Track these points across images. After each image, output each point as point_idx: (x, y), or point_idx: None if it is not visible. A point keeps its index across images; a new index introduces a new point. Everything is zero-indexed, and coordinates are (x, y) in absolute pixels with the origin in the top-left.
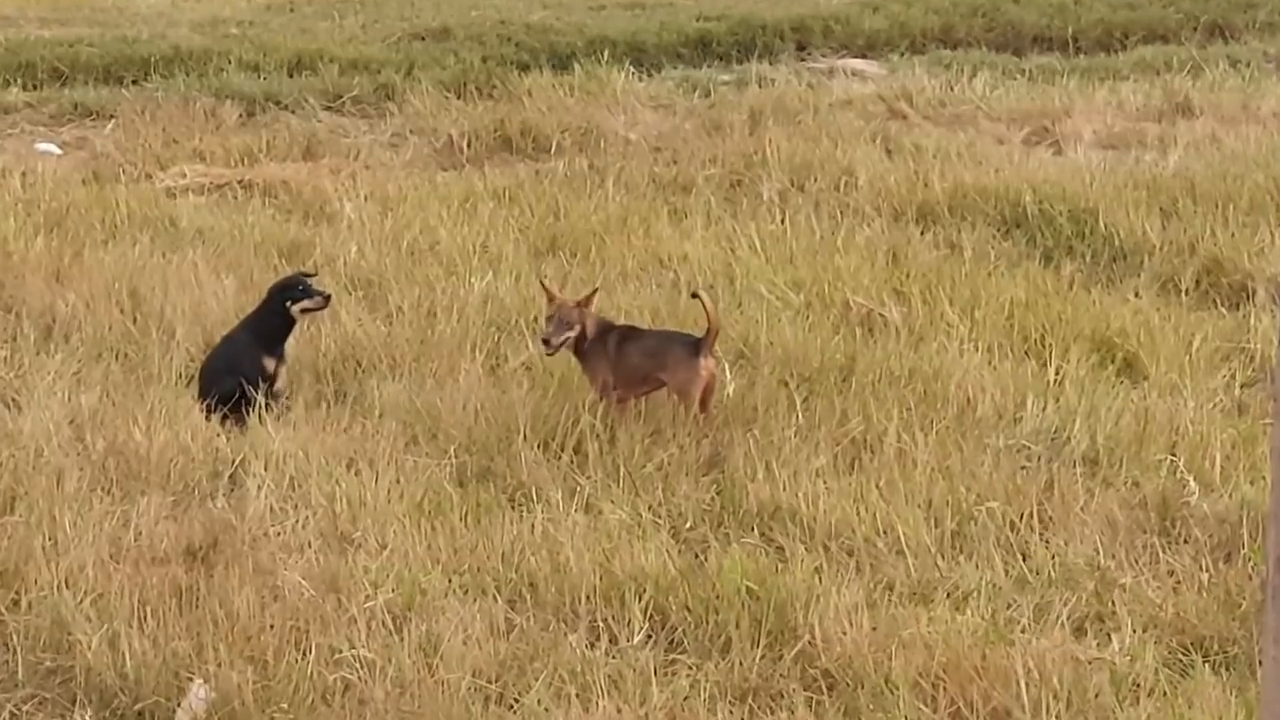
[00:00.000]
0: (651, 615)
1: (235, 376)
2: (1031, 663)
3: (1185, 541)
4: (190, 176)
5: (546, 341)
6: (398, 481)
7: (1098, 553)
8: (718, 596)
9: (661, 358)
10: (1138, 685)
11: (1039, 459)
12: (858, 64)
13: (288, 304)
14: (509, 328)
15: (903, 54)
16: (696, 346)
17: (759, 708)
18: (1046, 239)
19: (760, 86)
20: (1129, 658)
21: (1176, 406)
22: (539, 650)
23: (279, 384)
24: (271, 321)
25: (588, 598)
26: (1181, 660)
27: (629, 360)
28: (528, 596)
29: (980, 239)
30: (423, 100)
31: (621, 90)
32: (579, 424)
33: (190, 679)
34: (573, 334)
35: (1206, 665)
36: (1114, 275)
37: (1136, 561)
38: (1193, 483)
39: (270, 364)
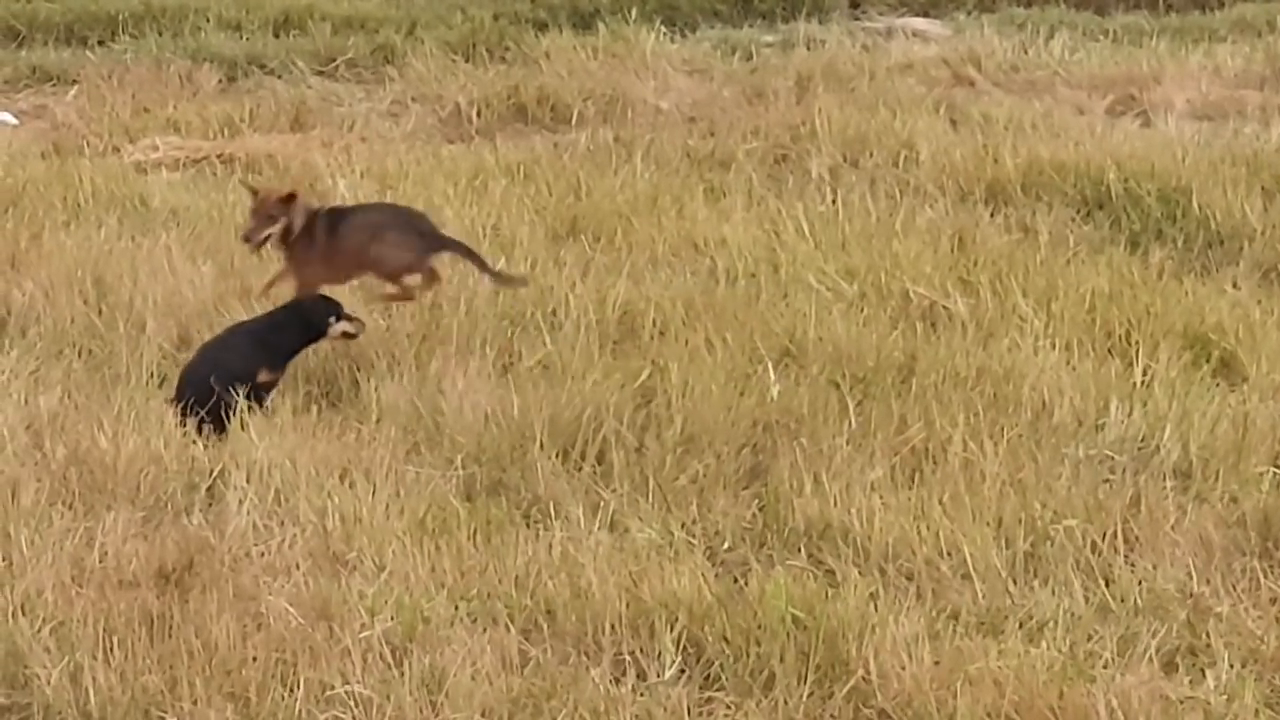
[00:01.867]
0: (684, 647)
1: (224, 385)
2: (1115, 702)
3: None
4: (163, 150)
5: (247, 238)
6: (397, 495)
7: (1190, 577)
8: (760, 626)
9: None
10: None
11: (1124, 471)
12: (919, 23)
13: (331, 320)
14: (523, 321)
15: (970, 12)
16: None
17: None
18: (1133, 222)
19: (809, 49)
20: (1225, 696)
21: None
22: (557, 686)
23: (267, 400)
24: (292, 333)
25: (612, 627)
26: None
27: (343, 243)
28: (544, 625)
29: (1057, 222)
30: (426, 63)
31: (651, 53)
32: (602, 430)
33: (163, 718)
34: (276, 228)
35: None
36: (1209, 263)
37: (1234, 587)
38: None
39: (270, 378)
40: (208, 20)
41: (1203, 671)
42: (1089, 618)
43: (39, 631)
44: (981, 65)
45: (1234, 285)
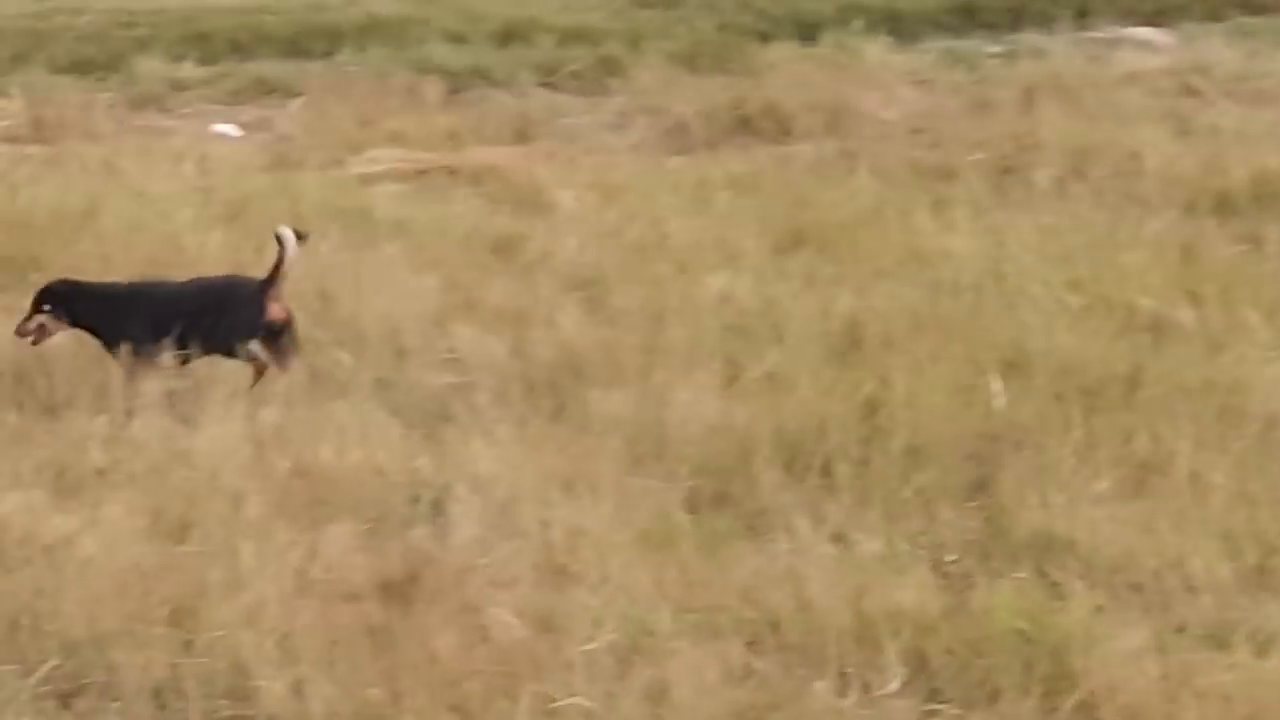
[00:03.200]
0: (909, 660)
1: None
2: None
3: None
4: (386, 162)
5: None
6: (621, 507)
7: None
8: (985, 638)
9: None
10: None
11: None
12: (1146, 33)
13: None
14: (748, 332)
15: (1198, 21)
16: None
17: None
18: None
19: (1034, 59)
20: None
21: None
22: (781, 699)
23: None
24: None
25: (837, 640)
26: None
27: None
28: (769, 638)
29: None
30: (650, 75)
31: (876, 64)
32: (827, 442)
33: None
34: None
35: None
36: None
37: None
38: None
39: None
40: (432, 32)
41: None
42: None
43: (262, 644)
44: (1210, 75)
45: None
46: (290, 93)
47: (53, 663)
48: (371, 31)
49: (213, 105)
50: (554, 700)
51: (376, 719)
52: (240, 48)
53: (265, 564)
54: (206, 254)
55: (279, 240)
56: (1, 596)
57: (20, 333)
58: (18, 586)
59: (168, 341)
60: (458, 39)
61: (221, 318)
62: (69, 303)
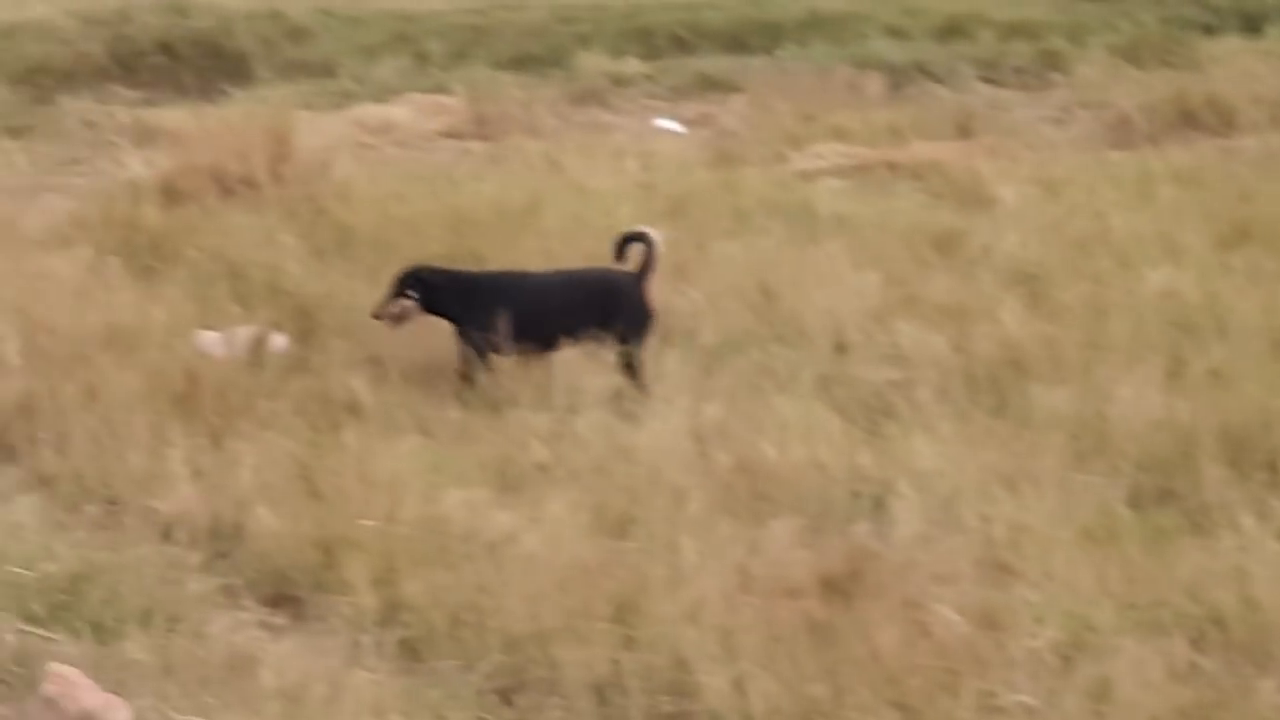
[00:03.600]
0: None
1: None
2: None
3: None
4: (828, 157)
5: None
6: (1063, 503)
7: None
8: None
9: None
10: None
11: None
12: None
13: None
14: (1191, 327)
15: None
16: None
17: None
18: None
19: None
20: None
21: None
22: (1227, 697)
23: None
24: None
25: None
26: None
27: None
28: (1214, 635)
29: None
30: (1092, 69)
31: None
32: (1273, 439)
33: None
34: None
35: None
36: None
37: None
38: None
39: None
40: (872, 27)
41: None
42: None
43: (704, 640)
44: None
45: None
46: (732, 88)
47: (495, 659)
48: (813, 26)
49: (654, 101)
50: (996, 697)
51: (818, 715)
52: (681, 43)
53: (707, 560)
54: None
55: (644, 238)
56: (445, 592)
57: (379, 315)
58: (461, 583)
59: (531, 332)
60: (899, 34)
61: (603, 311)
62: (430, 289)
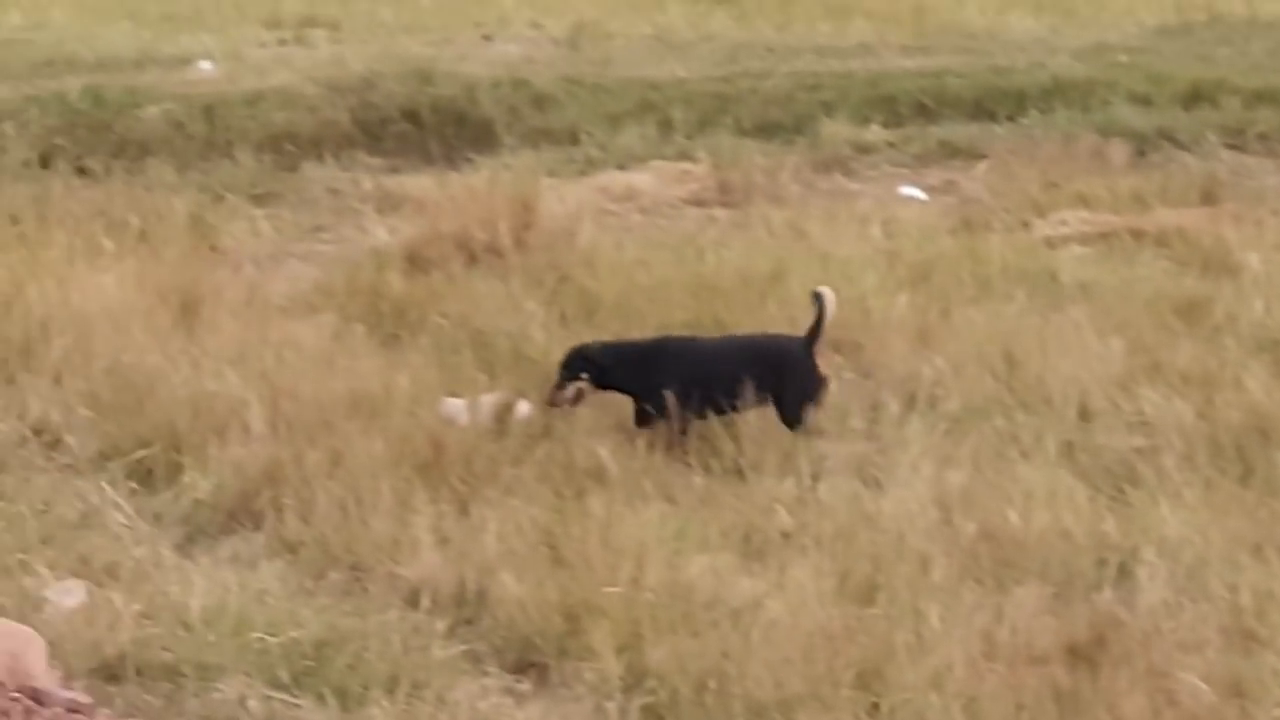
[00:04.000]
0: None
1: None
2: None
3: None
4: (1072, 224)
5: None
6: None
7: None
8: None
9: None
10: None
11: None
12: None
13: None
14: None
15: None
16: None
17: None
18: None
19: None
20: None
21: None
22: None
23: None
24: None
25: None
26: None
27: None
28: None
29: None
30: None
31: None
32: None
33: None
34: None
35: None
36: None
37: None
38: None
39: None
40: (1116, 94)
41: None
42: None
43: (949, 707)
44: None
45: None
46: (975, 155)
47: None
48: (1056, 94)
49: (898, 168)
50: None
51: None
52: (925, 110)
53: (951, 627)
54: (891, 317)
55: (819, 299)
56: (689, 659)
57: (553, 403)
58: (705, 649)
59: (702, 398)
60: (1143, 101)
61: (774, 375)
62: (600, 367)
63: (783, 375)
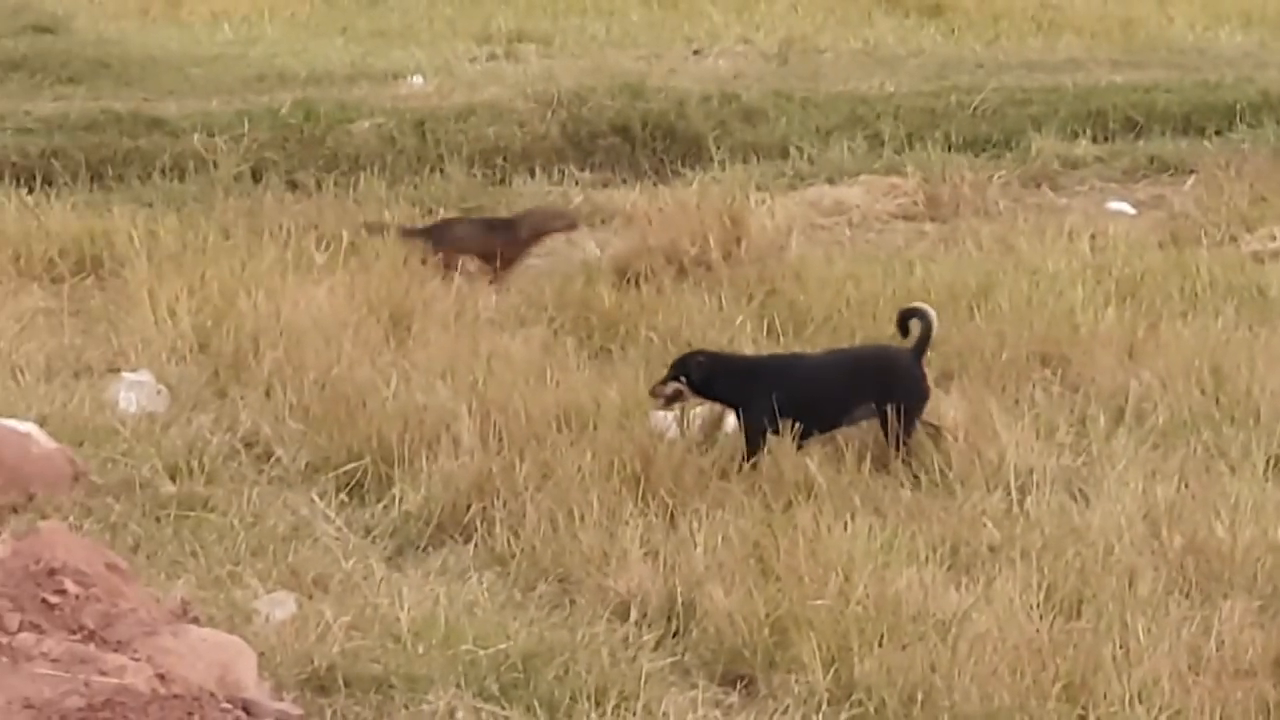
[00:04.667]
0: None
1: None
2: None
3: None
4: None
5: None
6: None
7: None
8: None
9: None
10: None
11: None
12: None
13: None
14: None
15: None
16: None
17: None
18: None
19: None
20: None
21: None
22: None
23: None
24: None
25: None
26: None
27: None
28: None
29: None
30: None
31: None
32: None
33: None
34: None
35: None
36: None
37: None
38: None
39: None
40: None
41: None
42: None
43: (1156, 718)
44: None
45: None
46: (1184, 170)
47: None
48: (1265, 108)
49: (1106, 182)
50: None
51: None
52: (1133, 125)
53: (1158, 640)
54: (1099, 331)
55: (921, 315)
56: (897, 672)
57: (653, 393)
58: (913, 662)
59: (808, 412)
60: None
61: (885, 387)
62: (704, 374)
63: (890, 386)
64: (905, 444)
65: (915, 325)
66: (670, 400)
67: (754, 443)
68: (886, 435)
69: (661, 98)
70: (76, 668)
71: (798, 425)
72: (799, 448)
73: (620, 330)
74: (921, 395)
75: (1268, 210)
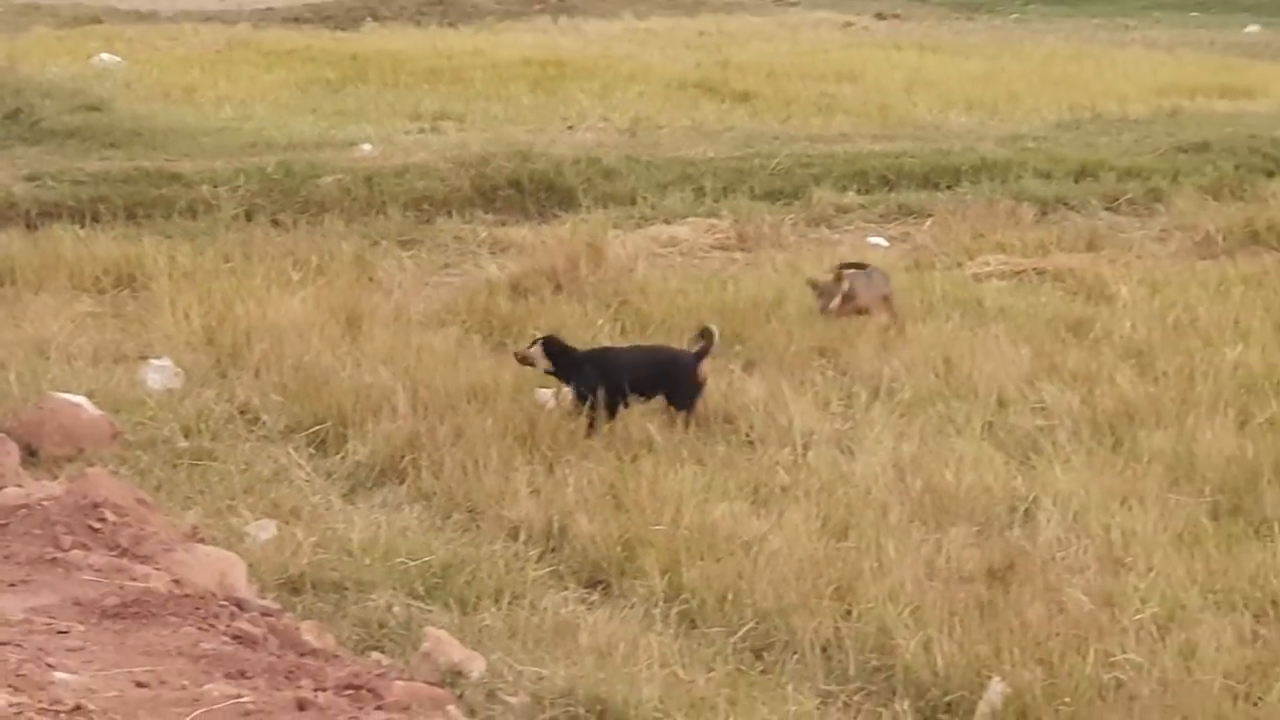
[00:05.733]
0: None
1: None
2: None
3: None
4: (993, 264)
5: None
6: (1162, 515)
7: None
8: None
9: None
10: None
11: None
12: None
13: None
14: (1257, 389)
15: None
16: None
17: None
18: None
19: None
20: None
21: None
22: None
23: None
24: None
25: None
26: None
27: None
28: (1270, 612)
29: None
30: (1185, 201)
31: None
32: None
33: (989, 677)
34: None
35: None
36: None
37: None
38: None
39: None
40: (1026, 170)
41: None
42: None
43: (901, 614)
44: None
45: None
46: (924, 214)
47: (749, 626)
48: (983, 170)
49: (867, 223)
50: (1112, 656)
51: (984, 668)
52: (887, 181)
53: (903, 556)
54: (862, 331)
55: (708, 333)
56: (714, 579)
57: (517, 354)
58: (725, 571)
59: (614, 392)
60: (1045, 175)
61: (671, 380)
62: (549, 349)
63: (675, 380)
64: (688, 419)
65: (705, 337)
66: (523, 361)
67: (581, 408)
68: (673, 411)
69: (544, 161)
70: (114, 575)
71: (609, 399)
72: (610, 416)
73: (514, 330)
74: (695, 389)
75: (984, 244)
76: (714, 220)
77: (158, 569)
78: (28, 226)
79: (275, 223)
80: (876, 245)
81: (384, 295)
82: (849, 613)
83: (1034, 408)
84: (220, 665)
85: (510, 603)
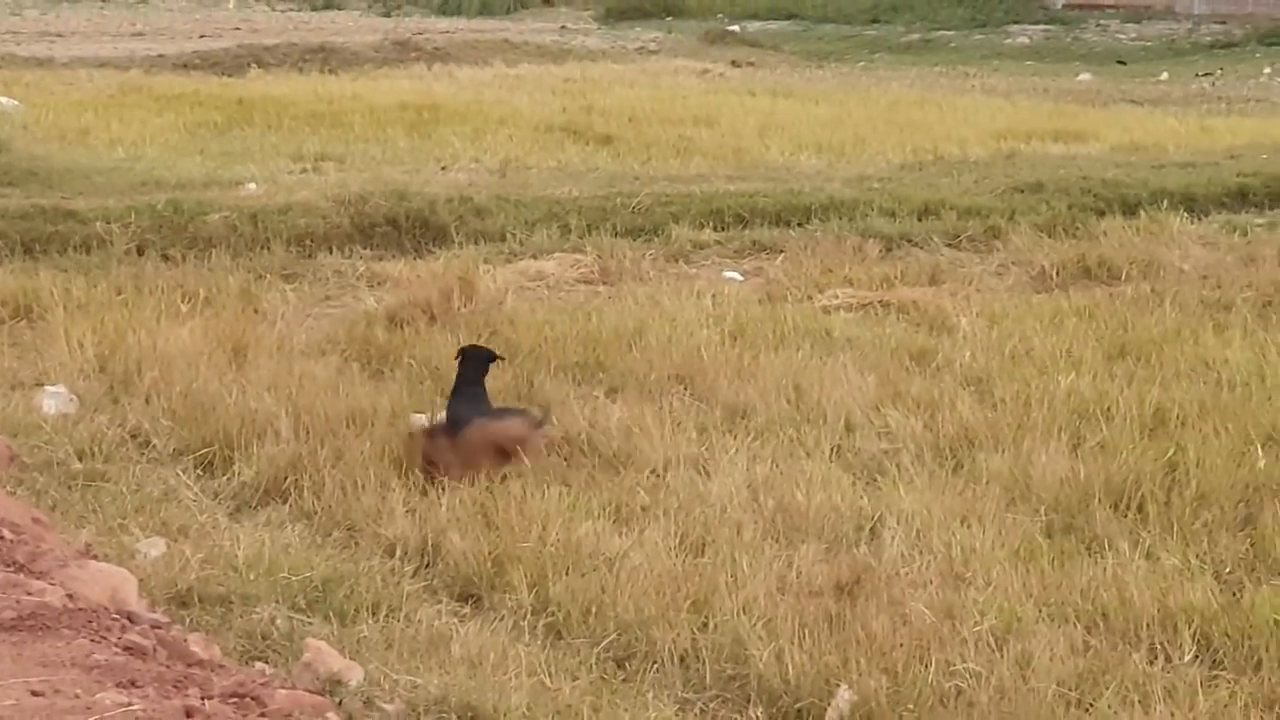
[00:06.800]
0: (1198, 640)
1: None
2: None
3: None
4: (841, 297)
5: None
6: (999, 533)
7: None
8: (1251, 626)
9: None
10: None
11: None
12: None
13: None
14: (1088, 415)
15: None
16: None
17: None
18: None
19: None
20: None
21: None
22: (1109, 666)
23: None
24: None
25: (1148, 625)
26: None
27: None
28: (1100, 624)
29: None
30: (1022, 239)
31: (1177, 231)
32: (1141, 489)
33: (838, 685)
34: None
35: None
36: None
37: None
38: None
39: None
40: (872, 209)
41: None
42: None
43: (754, 625)
44: None
45: None
46: (776, 250)
47: (611, 637)
48: (831, 208)
49: (723, 259)
50: (953, 665)
51: (832, 677)
52: (742, 219)
53: (757, 571)
54: (718, 360)
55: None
56: (578, 593)
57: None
58: (589, 586)
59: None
60: (890, 213)
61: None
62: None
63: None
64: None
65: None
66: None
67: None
68: None
69: (419, 199)
70: (10, 590)
71: None
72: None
73: (390, 359)
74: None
75: (833, 278)
76: (579, 255)
77: (53, 584)
78: None
79: (165, 257)
80: (731, 279)
81: (268, 326)
82: (705, 625)
83: (879, 432)
84: (112, 675)
85: (387, 615)
